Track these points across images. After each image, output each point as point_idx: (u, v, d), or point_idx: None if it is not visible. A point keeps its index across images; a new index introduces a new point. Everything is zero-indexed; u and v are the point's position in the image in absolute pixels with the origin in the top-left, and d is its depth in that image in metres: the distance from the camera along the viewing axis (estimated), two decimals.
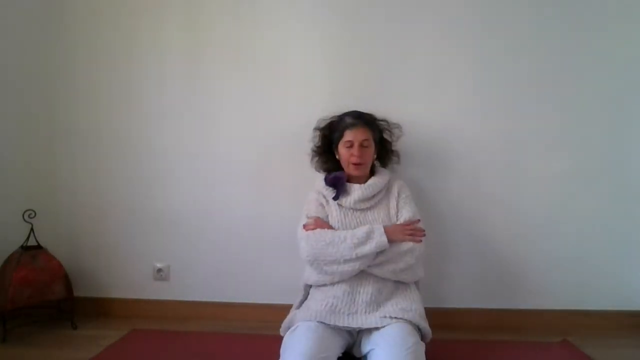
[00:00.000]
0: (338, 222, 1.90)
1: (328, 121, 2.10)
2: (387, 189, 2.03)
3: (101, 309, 2.56)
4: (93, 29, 2.51)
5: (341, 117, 2.05)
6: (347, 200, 1.94)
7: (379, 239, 1.77)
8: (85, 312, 2.49)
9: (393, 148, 2.17)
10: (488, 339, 2.28)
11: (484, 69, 2.40)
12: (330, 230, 1.85)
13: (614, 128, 2.40)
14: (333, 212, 1.94)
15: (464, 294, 2.46)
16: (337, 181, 1.97)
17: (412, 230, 1.87)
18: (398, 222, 1.93)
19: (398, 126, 2.16)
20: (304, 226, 1.90)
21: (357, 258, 1.76)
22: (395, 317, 1.70)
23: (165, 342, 2.25)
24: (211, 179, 2.52)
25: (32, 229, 2.38)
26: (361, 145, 1.96)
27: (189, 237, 2.54)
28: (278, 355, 1.64)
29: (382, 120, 2.12)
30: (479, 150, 2.42)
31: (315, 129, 2.14)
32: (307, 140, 2.18)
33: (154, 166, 2.54)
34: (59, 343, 2.24)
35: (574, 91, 2.38)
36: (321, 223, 1.90)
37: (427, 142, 2.40)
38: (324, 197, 1.99)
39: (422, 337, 1.72)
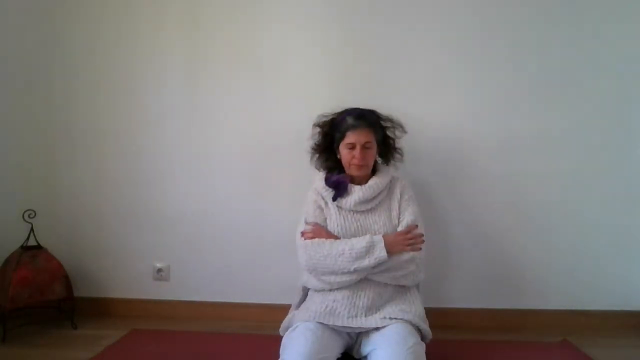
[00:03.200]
0: (337, 225, 1.87)
1: (329, 118, 2.01)
2: (389, 190, 1.97)
3: (101, 309, 2.56)
4: (93, 29, 2.51)
5: (342, 117, 1.95)
6: (347, 202, 1.89)
7: (379, 253, 1.74)
8: (85, 312, 2.49)
9: (396, 145, 2.08)
10: (488, 339, 2.28)
11: (484, 69, 2.40)
12: (328, 241, 1.81)
13: (614, 128, 2.40)
14: (332, 215, 1.90)
15: (464, 294, 2.46)
16: (339, 185, 1.91)
17: (412, 239, 1.83)
18: (399, 227, 1.88)
19: (401, 125, 2.04)
20: (302, 233, 1.87)
21: (355, 271, 1.75)
22: (395, 318, 1.70)
23: (165, 342, 2.25)
24: (211, 179, 2.52)
25: (32, 229, 2.38)
26: (363, 147, 1.89)
27: (189, 237, 2.54)
28: (278, 355, 1.64)
29: (385, 119, 2.02)
30: (479, 150, 2.42)
31: (315, 125, 2.04)
32: (307, 140, 2.17)
33: (154, 166, 2.54)
34: (59, 343, 2.24)
35: (574, 91, 2.39)
36: (319, 231, 1.86)
37: (428, 142, 2.40)
38: (323, 198, 1.94)
39: (422, 338, 1.72)
